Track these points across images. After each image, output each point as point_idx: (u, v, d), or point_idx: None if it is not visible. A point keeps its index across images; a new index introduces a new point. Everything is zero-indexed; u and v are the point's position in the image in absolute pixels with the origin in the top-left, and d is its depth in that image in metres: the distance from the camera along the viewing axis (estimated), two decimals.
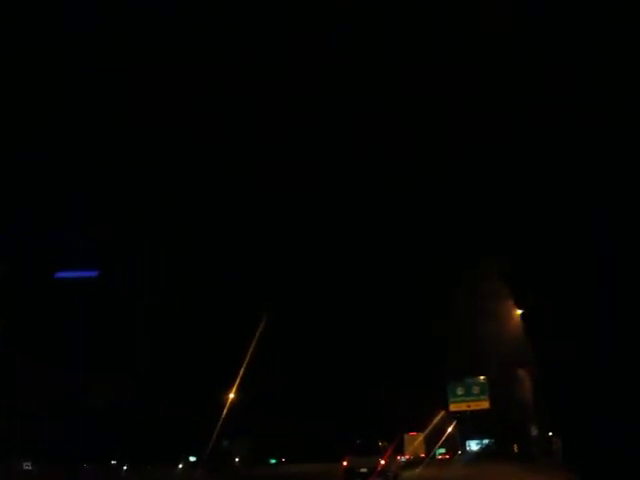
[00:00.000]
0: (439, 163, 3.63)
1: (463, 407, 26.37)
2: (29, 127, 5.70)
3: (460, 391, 26.14)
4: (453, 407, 26.39)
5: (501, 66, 3.13)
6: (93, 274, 10.05)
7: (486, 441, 35.50)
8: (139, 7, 3.94)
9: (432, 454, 31.13)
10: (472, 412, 28.65)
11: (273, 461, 27.83)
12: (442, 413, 29.18)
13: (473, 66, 3.34)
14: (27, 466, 14.66)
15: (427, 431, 29.92)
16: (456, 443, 34.58)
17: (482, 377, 25.61)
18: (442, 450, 33.42)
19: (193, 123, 5.44)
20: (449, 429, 31.71)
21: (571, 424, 2.85)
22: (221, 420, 16.08)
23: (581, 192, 3.07)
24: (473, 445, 36.20)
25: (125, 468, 18.63)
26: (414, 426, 29.61)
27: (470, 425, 32.46)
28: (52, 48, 4.20)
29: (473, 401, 25.92)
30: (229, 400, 16.09)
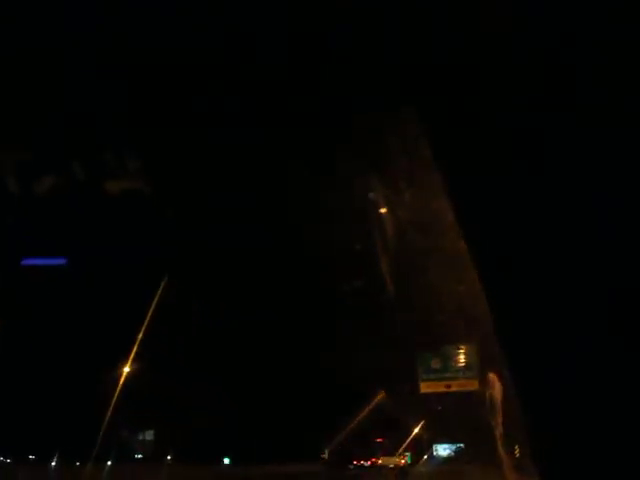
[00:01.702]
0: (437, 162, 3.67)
1: (440, 388, 16.42)
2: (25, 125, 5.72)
3: (435, 364, 16.14)
4: (425, 387, 16.35)
5: (501, 66, 3.14)
6: (61, 262, 9.98)
7: (461, 445, 31.53)
8: (139, 7, 3.95)
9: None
10: (442, 408, 20.36)
11: (227, 460, 24.23)
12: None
13: (473, 66, 3.35)
14: None
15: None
16: (422, 446, 31.56)
17: (462, 347, 15.82)
18: (407, 454, 31.89)
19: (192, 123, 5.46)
20: (416, 429, 26.41)
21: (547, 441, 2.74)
22: (111, 407, 14.36)
23: (580, 194, 3.08)
24: (441, 450, 33.03)
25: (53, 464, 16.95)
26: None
27: (439, 425, 25.32)
28: (52, 48, 4.21)
29: (455, 379, 15.95)
30: (122, 377, 14.40)
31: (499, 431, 18.19)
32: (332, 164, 7.40)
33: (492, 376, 16.37)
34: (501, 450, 18.29)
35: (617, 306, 2.86)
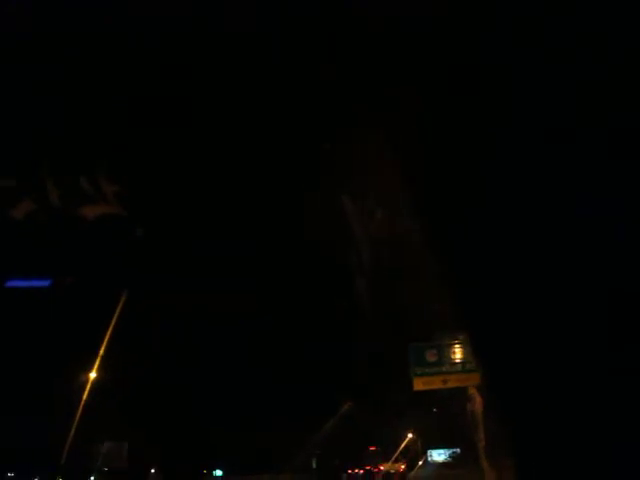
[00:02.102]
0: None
1: (436, 384, 13.92)
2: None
3: (430, 357, 13.74)
4: (419, 385, 13.81)
5: (502, 63, 3.15)
6: (45, 284, 9.95)
7: (457, 450, 30.66)
8: (138, 7, 3.96)
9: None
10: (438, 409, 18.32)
11: (219, 473, 22.96)
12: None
13: (473, 66, 3.36)
14: None
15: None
16: (417, 453, 30.83)
17: (460, 335, 13.19)
18: (404, 460, 31.85)
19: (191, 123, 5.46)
20: (409, 434, 25.91)
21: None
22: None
23: (581, 195, 3.08)
24: (435, 455, 32.22)
25: None
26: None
27: (433, 428, 23.20)
28: (52, 47, 4.21)
29: (453, 373, 13.67)
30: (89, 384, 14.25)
31: (482, 445, 17.33)
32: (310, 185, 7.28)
33: (472, 391, 14.80)
34: (485, 463, 17.74)
35: (616, 311, 2.86)
